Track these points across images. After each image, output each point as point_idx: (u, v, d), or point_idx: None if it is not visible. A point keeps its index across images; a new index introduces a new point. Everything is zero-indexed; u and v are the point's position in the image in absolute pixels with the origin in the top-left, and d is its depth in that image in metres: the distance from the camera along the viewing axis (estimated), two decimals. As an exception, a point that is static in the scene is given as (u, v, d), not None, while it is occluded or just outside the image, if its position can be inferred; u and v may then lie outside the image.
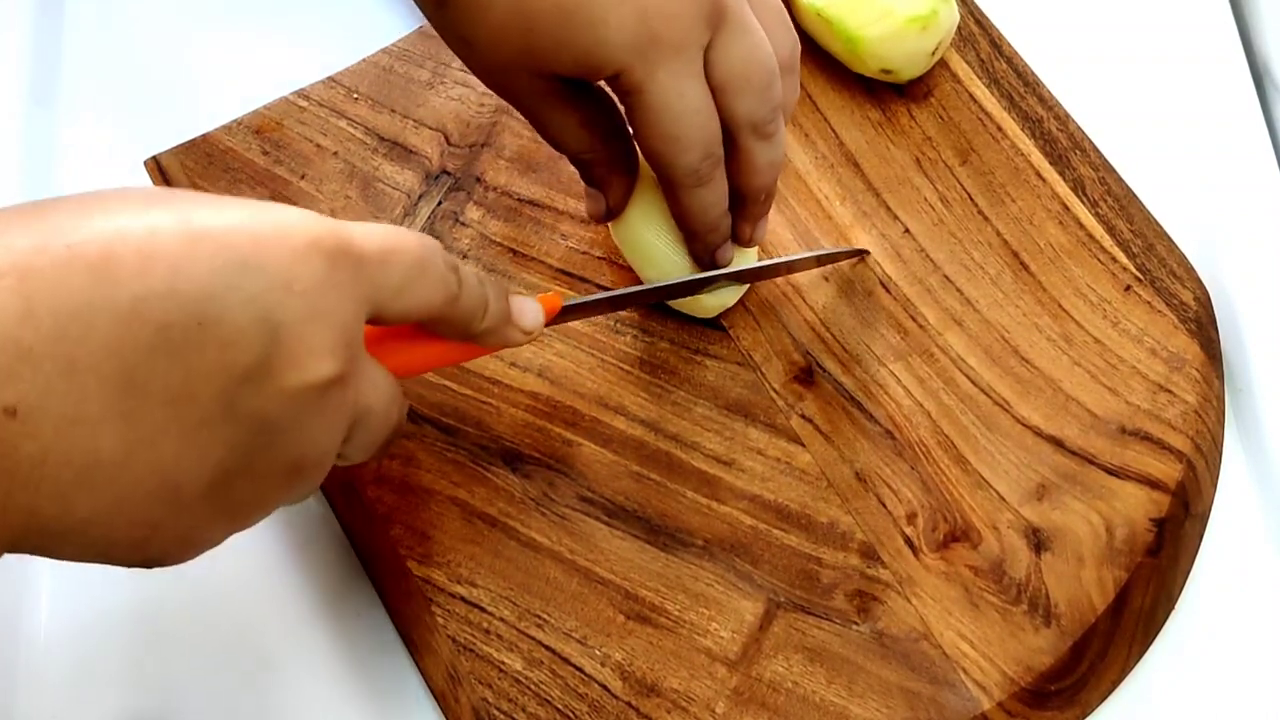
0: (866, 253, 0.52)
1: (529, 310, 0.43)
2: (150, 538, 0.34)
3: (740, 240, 0.48)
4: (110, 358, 0.31)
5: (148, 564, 0.35)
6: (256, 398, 0.33)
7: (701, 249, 0.47)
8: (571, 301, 0.45)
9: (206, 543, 0.36)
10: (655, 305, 0.51)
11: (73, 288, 0.30)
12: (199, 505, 0.34)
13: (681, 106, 0.42)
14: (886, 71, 0.54)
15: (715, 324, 0.51)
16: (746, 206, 0.47)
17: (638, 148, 0.46)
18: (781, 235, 0.52)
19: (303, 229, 0.34)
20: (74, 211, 0.32)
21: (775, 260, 0.50)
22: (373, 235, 0.36)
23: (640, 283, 0.50)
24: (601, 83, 0.44)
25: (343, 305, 0.34)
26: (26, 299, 0.30)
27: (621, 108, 0.44)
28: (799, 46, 0.46)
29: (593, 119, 0.45)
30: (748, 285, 0.51)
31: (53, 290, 0.30)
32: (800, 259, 0.50)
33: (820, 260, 0.51)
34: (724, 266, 0.48)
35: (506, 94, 0.45)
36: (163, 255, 0.31)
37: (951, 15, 0.53)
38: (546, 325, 0.44)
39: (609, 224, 0.50)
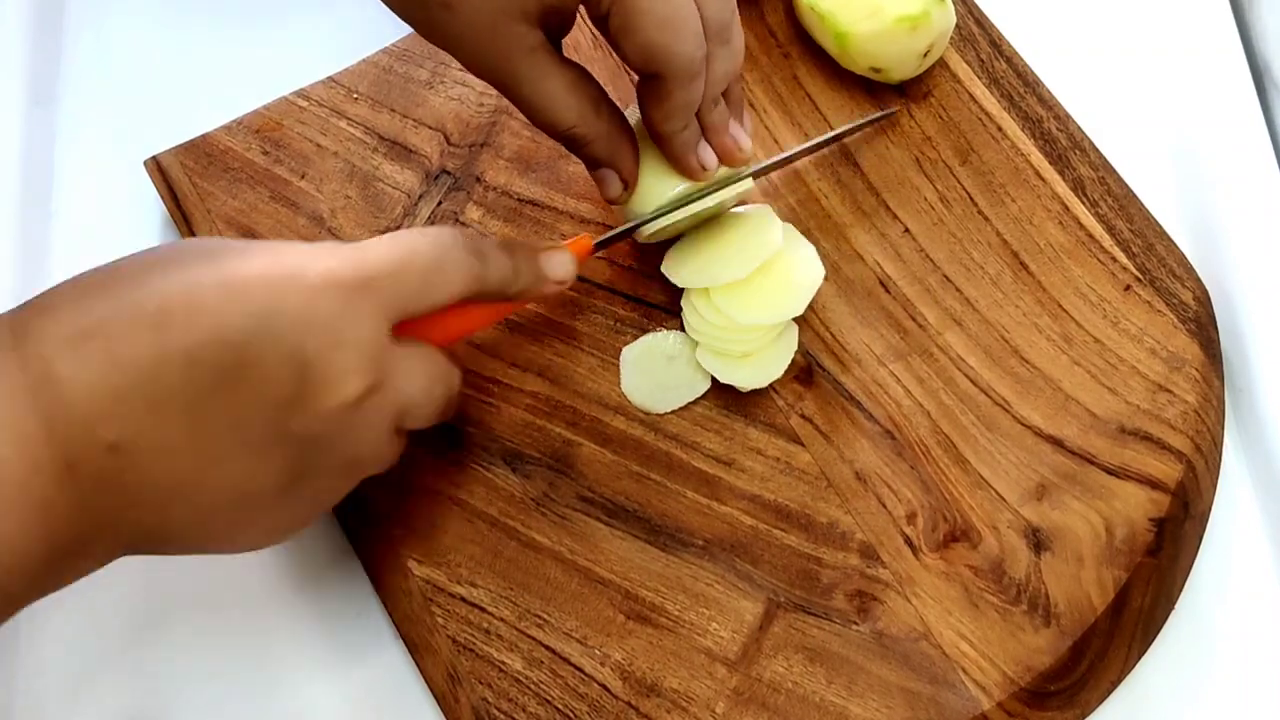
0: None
1: (559, 263, 0.46)
2: (238, 535, 0.41)
3: (724, 154, 0.48)
4: (179, 396, 0.36)
5: (245, 550, 0.42)
6: (300, 420, 0.38)
7: (683, 149, 0.47)
8: (602, 238, 0.48)
9: (292, 531, 0.42)
10: (651, 303, 0.51)
11: (142, 343, 0.36)
12: (275, 506, 0.40)
13: None
14: (876, 70, 0.54)
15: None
16: (710, 114, 0.47)
17: (629, 56, 0.45)
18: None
19: (316, 268, 0.38)
20: (136, 274, 0.37)
21: (778, 156, 0.50)
22: (384, 253, 0.40)
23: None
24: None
25: (361, 328, 0.39)
26: (111, 354, 0.36)
27: (607, 38, 0.44)
28: None
29: (578, 84, 0.46)
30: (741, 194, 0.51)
31: (129, 345, 0.36)
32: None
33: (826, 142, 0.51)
34: (712, 168, 0.48)
35: (493, 58, 0.45)
36: (205, 309, 0.37)
37: (946, 18, 0.53)
38: (585, 260, 0.47)
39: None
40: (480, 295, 0.43)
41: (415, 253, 0.40)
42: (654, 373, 0.50)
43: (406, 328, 0.41)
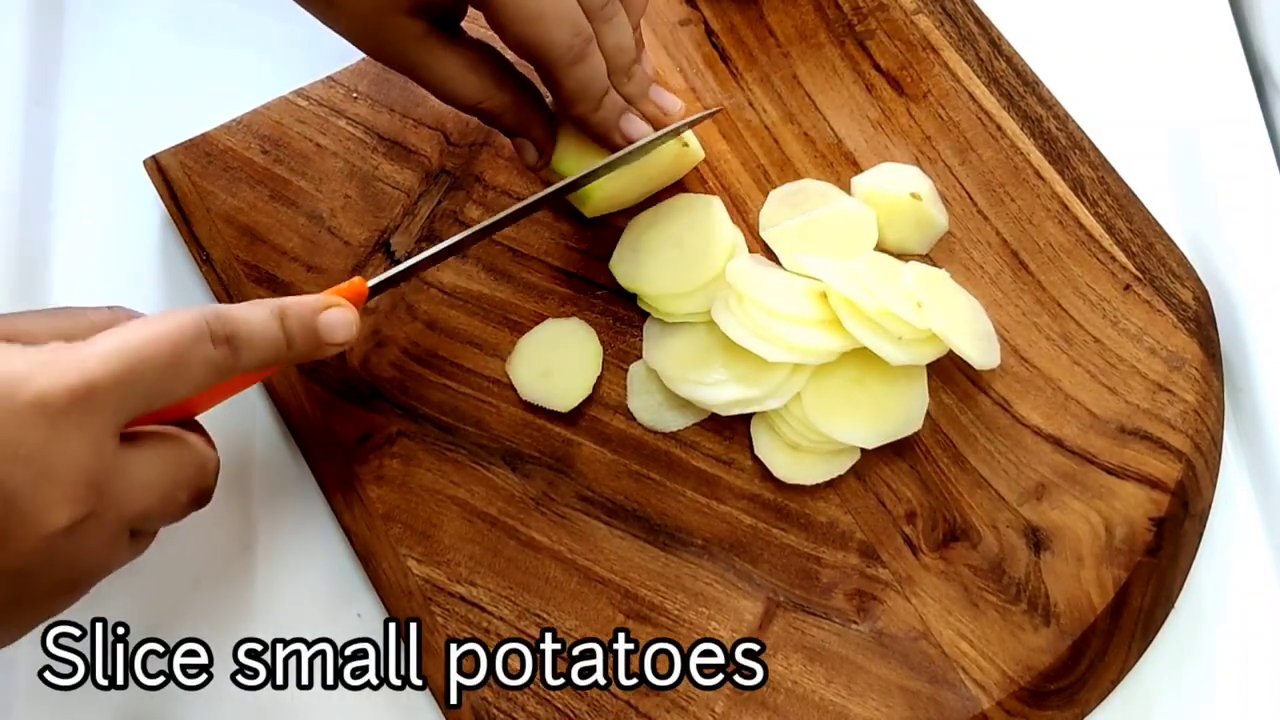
0: (721, 109, 0.54)
1: (340, 325, 0.43)
2: None
3: (654, 122, 0.49)
4: None
5: None
6: (3, 556, 0.35)
7: (602, 127, 0.48)
8: (375, 280, 0.45)
9: (8, 642, 0.39)
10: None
11: None
12: None
13: None
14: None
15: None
16: (625, 87, 0.48)
17: (510, 49, 0.46)
18: (781, 235, 0.52)
19: (25, 390, 0.35)
20: None
21: (631, 147, 0.49)
22: (109, 360, 0.36)
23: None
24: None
25: (76, 453, 0.35)
26: None
27: (487, 23, 0.45)
28: None
29: (477, 62, 0.47)
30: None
31: None
32: (660, 134, 0.49)
33: (678, 130, 0.50)
34: (638, 139, 0.48)
35: (384, 49, 0.46)
36: None
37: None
38: (362, 306, 0.45)
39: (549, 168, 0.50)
40: (240, 373, 0.40)
41: (144, 357, 0.37)
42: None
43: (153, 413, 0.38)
